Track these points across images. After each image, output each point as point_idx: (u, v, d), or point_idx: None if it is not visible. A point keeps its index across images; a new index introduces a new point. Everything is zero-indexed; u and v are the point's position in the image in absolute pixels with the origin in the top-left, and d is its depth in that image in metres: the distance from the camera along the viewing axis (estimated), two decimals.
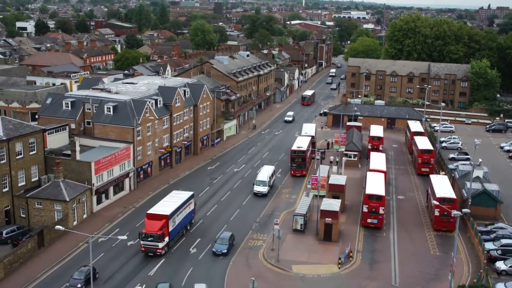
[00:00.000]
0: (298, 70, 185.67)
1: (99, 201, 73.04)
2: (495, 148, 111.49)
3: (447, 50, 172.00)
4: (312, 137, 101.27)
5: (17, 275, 55.33)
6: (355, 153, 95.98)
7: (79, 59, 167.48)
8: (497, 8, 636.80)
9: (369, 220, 69.24)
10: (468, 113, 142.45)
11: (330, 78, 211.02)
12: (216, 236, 64.50)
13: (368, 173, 79.00)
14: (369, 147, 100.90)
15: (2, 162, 63.91)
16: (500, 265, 59.55)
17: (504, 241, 63.71)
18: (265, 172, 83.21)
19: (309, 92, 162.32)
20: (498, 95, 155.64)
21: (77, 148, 71.02)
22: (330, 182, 75.35)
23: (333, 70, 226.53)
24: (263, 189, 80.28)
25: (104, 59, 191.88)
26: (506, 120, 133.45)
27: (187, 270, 57.49)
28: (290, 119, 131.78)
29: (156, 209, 62.94)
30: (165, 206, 63.93)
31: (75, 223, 67.12)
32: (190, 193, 69.26)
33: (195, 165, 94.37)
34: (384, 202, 69.77)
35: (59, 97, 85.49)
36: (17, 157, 66.18)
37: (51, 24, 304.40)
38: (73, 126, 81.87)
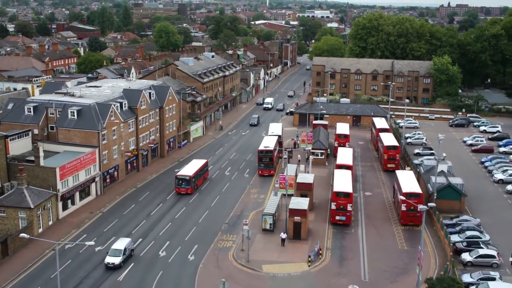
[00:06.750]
0: (264, 70, 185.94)
1: (65, 207, 71.69)
2: (458, 142, 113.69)
3: (409, 48, 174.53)
4: (279, 136, 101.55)
5: None
6: (322, 151, 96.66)
7: (41, 63, 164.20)
8: (456, 5, 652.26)
9: (337, 217, 69.75)
10: (431, 109, 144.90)
11: (256, 117, 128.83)
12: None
13: (336, 171, 79.59)
14: (336, 145, 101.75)
15: None
16: (466, 256, 60.86)
17: (469, 233, 65.18)
18: None
19: (187, 171, 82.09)
20: (460, 91, 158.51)
21: (41, 154, 69.61)
22: (298, 180, 75.75)
23: (268, 100, 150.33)
24: None
25: (66, 62, 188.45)
26: (468, 115, 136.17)
27: (156, 274, 56.96)
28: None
29: None
30: None
31: (40, 230, 65.77)
32: None
33: (162, 168, 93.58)
34: (352, 199, 70.36)
35: (20, 102, 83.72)
36: None
37: (11, 27, 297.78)
38: (36, 131, 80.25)
